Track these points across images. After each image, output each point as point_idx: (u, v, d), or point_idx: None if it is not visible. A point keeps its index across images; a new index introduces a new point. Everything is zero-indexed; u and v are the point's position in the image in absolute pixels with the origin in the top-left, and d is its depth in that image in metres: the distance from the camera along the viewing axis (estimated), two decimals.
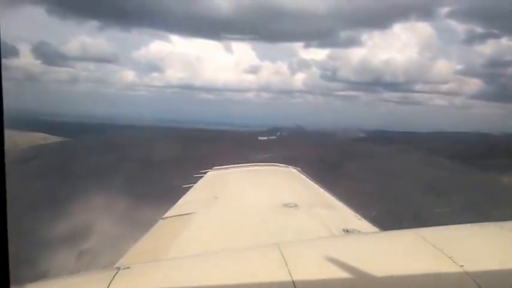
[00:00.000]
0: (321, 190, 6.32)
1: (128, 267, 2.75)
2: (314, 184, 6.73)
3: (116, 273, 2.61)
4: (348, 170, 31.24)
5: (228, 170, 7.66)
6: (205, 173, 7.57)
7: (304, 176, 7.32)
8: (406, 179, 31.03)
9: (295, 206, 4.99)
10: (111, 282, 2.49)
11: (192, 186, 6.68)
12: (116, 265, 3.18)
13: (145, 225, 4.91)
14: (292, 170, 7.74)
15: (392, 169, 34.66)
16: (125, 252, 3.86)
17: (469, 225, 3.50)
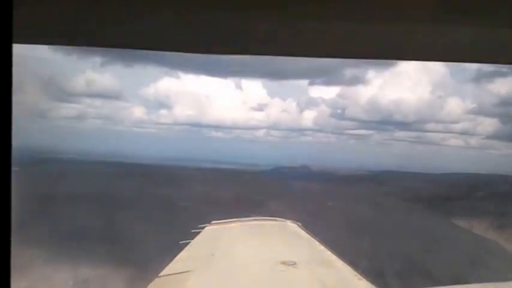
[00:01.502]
0: (321, 247, 6.23)
1: None
2: (314, 240, 6.65)
3: None
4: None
5: (226, 225, 7.60)
6: (203, 227, 7.52)
7: (303, 231, 7.24)
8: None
9: (294, 264, 4.92)
10: None
11: (189, 242, 6.63)
12: None
13: None
14: (291, 225, 7.66)
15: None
16: None
17: (467, 285, 3.45)
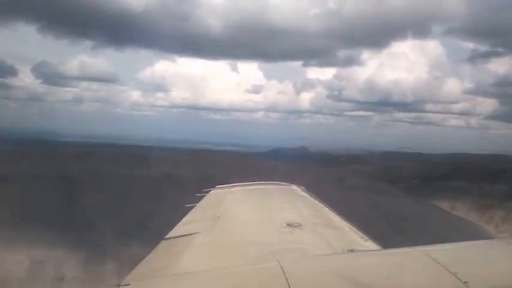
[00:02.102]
0: (326, 209, 6.21)
1: (128, 285, 2.74)
2: (319, 203, 6.62)
3: None
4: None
5: (231, 189, 7.58)
6: (208, 191, 7.49)
7: (308, 195, 7.21)
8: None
9: (300, 225, 4.89)
10: None
11: (194, 205, 6.61)
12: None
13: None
14: (296, 189, 7.64)
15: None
16: (128, 273, 3.82)
17: (474, 242, 3.45)
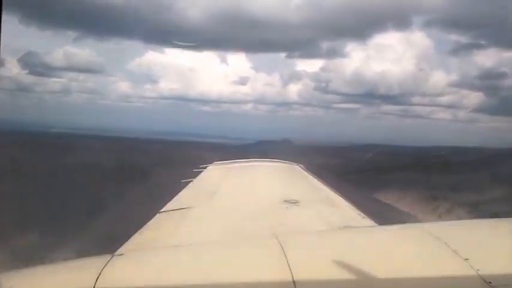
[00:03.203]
0: (324, 187, 6.16)
1: (122, 254, 2.70)
2: (317, 181, 6.57)
3: (109, 260, 2.56)
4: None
5: (229, 165, 7.51)
6: (205, 167, 7.41)
7: (307, 173, 7.16)
8: None
9: (297, 202, 4.83)
10: (103, 268, 2.43)
11: (191, 180, 6.51)
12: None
13: None
14: (295, 167, 7.60)
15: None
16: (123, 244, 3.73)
17: (474, 220, 3.44)
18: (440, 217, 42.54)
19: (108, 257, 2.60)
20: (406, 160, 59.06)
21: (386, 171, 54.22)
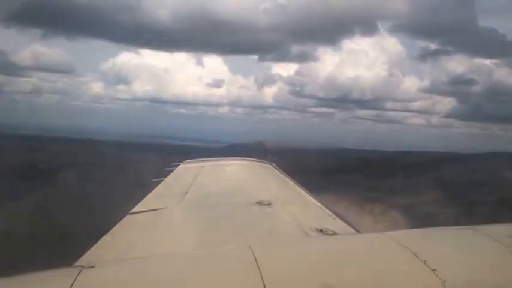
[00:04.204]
0: (296, 187, 6.17)
1: (92, 266, 2.59)
2: (288, 180, 6.58)
3: (79, 273, 2.45)
4: None
5: (201, 164, 7.42)
6: (177, 165, 7.30)
7: (278, 172, 7.16)
8: None
9: (269, 204, 4.81)
10: (74, 281, 2.32)
11: (162, 180, 6.41)
12: (78, 262, 3.05)
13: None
14: (267, 165, 7.59)
15: None
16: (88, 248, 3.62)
17: (443, 228, 3.49)
18: (374, 219, 43.71)
19: (76, 269, 2.51)
20: (359, 163, 59.93)
21: (332, 174, 54.92)
